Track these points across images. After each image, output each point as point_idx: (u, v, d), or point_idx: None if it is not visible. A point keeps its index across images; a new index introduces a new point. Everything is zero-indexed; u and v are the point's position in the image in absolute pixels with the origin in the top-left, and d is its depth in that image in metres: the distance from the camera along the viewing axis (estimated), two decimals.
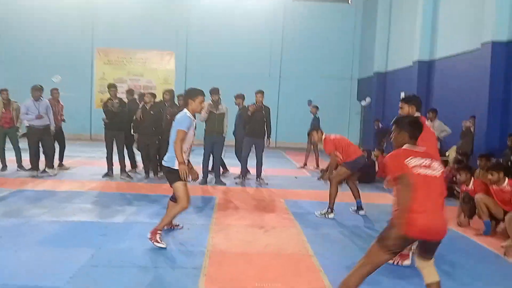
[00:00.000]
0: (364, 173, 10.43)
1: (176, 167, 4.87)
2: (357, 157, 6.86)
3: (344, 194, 7.38)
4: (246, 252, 4.97)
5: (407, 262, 4.63)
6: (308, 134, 8.55)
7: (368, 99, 17.50)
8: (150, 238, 4.93)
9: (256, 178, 9.43)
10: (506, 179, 6.19)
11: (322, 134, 7.04)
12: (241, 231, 5.74)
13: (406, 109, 4.93)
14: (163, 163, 5.04)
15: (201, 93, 5.07)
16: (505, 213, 5.87)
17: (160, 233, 4.97)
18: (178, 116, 4.98)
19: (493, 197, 6.23)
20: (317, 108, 13.08)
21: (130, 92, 10.90)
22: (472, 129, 9.73)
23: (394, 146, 3.54)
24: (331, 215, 6.69)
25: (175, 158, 4.88)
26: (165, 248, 4.88)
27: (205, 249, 4.96)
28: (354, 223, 6.51)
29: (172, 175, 4.95)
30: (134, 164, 10.16)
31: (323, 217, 6.66)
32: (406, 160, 3.24)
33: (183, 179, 4.88)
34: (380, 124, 15.32)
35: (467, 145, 9.34)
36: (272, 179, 9.75)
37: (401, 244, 3.17)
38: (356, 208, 7.08)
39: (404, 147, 3.41)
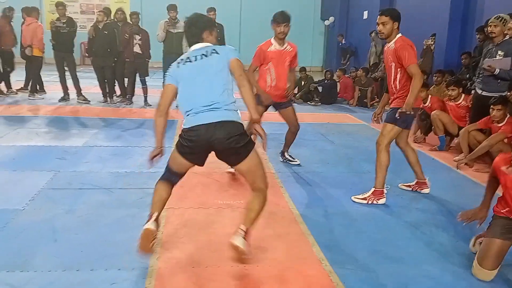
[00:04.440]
0: (326, 94, 10.54)
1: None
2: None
3: (301, 114, 7.38)
4: (209, 171, 4.99)
5: (382, 200, 4.23)
6: None
7: (331, 18, 17.23)
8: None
9: None
10: (463, 95, 6.36)
11: None
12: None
13: (390, 26, 4.02)
14: (231, 118, 2.87)
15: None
16: (460, 128, 6.08)
17: None
18: (225, 49, 3.03)
19: (449, 113, 6.42)
20: None
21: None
22: (432, 48, 9.79)
23: None
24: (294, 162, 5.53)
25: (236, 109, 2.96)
26: None
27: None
28: (315, 141, 6.61)
29: (248, 143, 2.96)
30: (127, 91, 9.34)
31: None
32: None
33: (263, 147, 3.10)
34: (343, 40, 15.22)
35: (427, 64, 9.44)
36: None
37: None
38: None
39: None
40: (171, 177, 3.11)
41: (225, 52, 2.97)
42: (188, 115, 2.92)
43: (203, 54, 2.94)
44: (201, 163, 3.08)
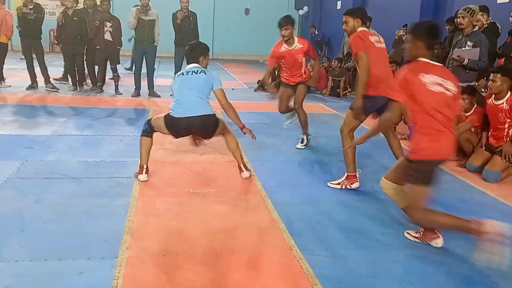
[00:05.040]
0: None
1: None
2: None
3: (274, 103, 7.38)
4: (181, 160, 4.97)
5: (355, 185, 4.37)
6: None
7: (305, 8, 17.26)
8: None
9: None
10: None
11: None
12: (177, 142, 5.66)
13: (352, 24, 4.37)
14: (207, 112, 4.13)
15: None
16: None
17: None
18: (212, 75, 4.24)
19: None
20: None
21: None
22: (404, 38, 9.91)
23: (408, 58, 3.15)
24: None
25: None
26: None
27: (139, 159, 4.89)
28: (288, 131, 6.65)
29: (216, 123, 4.26)
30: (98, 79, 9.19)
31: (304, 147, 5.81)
32: (420, 75, 2.93)
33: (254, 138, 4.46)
34: (316, 31, 15.27)
35: (398, 54, 9.57)
36: None
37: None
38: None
39: (420, 59, 3.02)
40: (151, 132, 4.26)
41: (212, 77, 4.25)
42: (176, 108, 4.12)
43: (193, 71, 4.23)
44: (176, 137, 4.33)
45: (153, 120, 4.27)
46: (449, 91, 2.96)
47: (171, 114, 4.13)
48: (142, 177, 4.26)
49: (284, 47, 5.54)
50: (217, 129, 4.28)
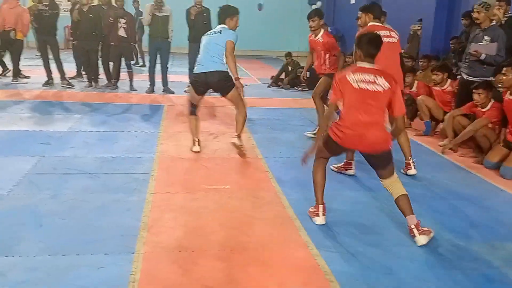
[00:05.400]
0: (313, 79, 10.50)
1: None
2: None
3: (288, 99, 7.38)
4: (195, 156, 4.99)
5: (350, 172, 4.63)
6: None
7: (319, 3, 17.14)
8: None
9: None
10: (449, 80, 6.40)
11: None
12: (191, 137, 5.70)
13: (364, 19, 4.77)
14: (220, 69, 4.72)
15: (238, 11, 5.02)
16: (445, 114, 6.13)
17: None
18: (228, 31, 4.81)
19: (434, 98, 6.46)
20: None
21: None
22: (419, 33, 9.80)
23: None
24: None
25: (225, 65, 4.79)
26: None
27: (154, 155, 4.93)
28: (302, 127, 6.64)
29: (231, 82, 4.80)
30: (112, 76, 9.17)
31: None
32: (348, 75, 3.29)
33: (241, 95, 4.92)
34: (329, 29, 15.14)
35: (413, 49, 9.46)
36: None
37: (336, 148, 3.46)
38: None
39: (357, 64, 3.38)
40: (194, 109, 5.04)
41: (226, 34, 4.76)
42: (196, 66, 4.86)
43: (215, 32, 4.85)
44: (202, 94, 4.97)
45: (189, 98, 5.06)
46: (379, 86, 3.23)
47: (193, 74, 4.95)
48: (195, 148, 5.04)
49: (312, 37, 6.03)
50: (232, 90, 4.77)
